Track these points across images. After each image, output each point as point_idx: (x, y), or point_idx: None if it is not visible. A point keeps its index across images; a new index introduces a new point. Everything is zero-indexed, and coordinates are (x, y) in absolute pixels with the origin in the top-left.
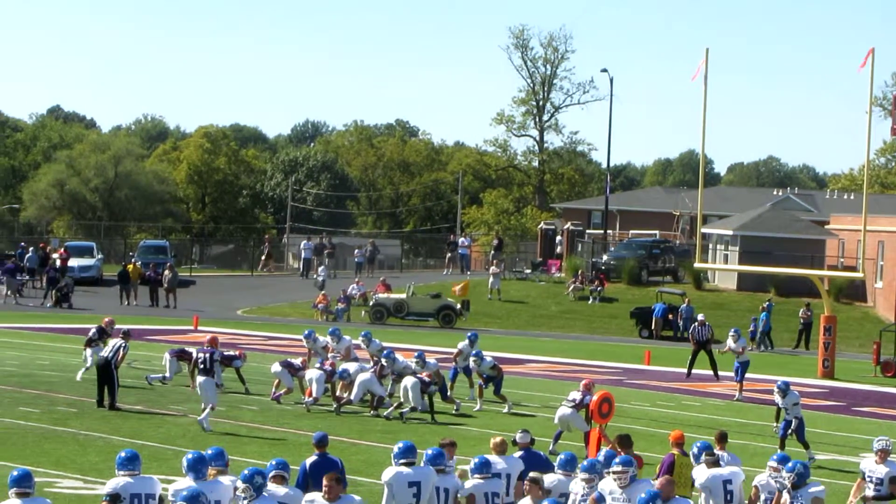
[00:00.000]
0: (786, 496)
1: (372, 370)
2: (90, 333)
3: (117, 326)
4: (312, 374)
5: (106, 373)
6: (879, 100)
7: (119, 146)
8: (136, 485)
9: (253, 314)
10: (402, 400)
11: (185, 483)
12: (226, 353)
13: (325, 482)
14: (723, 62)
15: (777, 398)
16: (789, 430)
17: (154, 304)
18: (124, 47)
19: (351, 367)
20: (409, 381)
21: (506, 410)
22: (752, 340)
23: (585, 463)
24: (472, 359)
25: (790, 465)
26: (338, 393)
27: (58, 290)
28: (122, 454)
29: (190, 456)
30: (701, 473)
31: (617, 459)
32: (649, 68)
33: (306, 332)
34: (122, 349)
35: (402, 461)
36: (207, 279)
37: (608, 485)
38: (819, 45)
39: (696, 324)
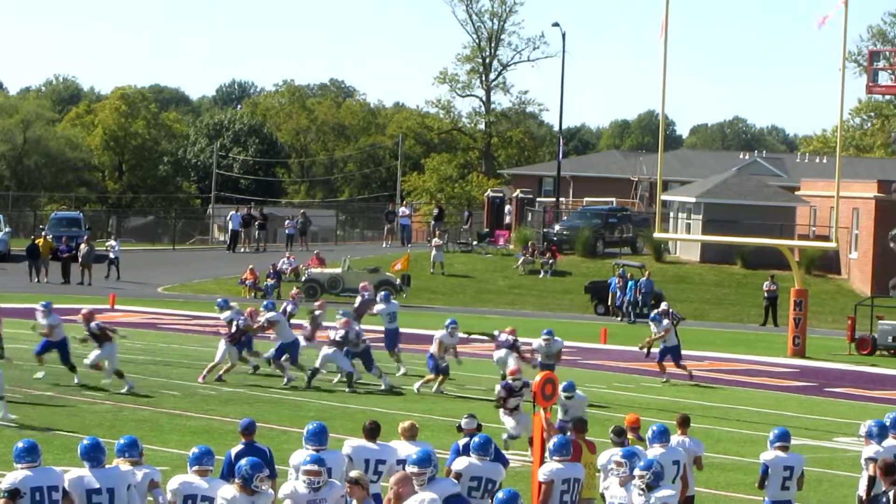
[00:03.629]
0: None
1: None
2: None
3: (24, 306)
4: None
5: None
6: (854, 55)
7: (28, 109)
8: (36, 477)
9: (175, 291)
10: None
11: (80, 472)
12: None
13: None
14: (684, 15)
15: (561, 396)
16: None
17: (66, 282)
18: (33, 1)
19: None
20: (326, 349)
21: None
22: (618, 310)
23: None
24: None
25: (644, 462)
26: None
27: None
28: (20, 445)
29: (85, 442)
30: None
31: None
32: (605, 22)
33: (266, 302)
34: None
35: (310, 446)
36: (125, 254)
37: None
38: None
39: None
